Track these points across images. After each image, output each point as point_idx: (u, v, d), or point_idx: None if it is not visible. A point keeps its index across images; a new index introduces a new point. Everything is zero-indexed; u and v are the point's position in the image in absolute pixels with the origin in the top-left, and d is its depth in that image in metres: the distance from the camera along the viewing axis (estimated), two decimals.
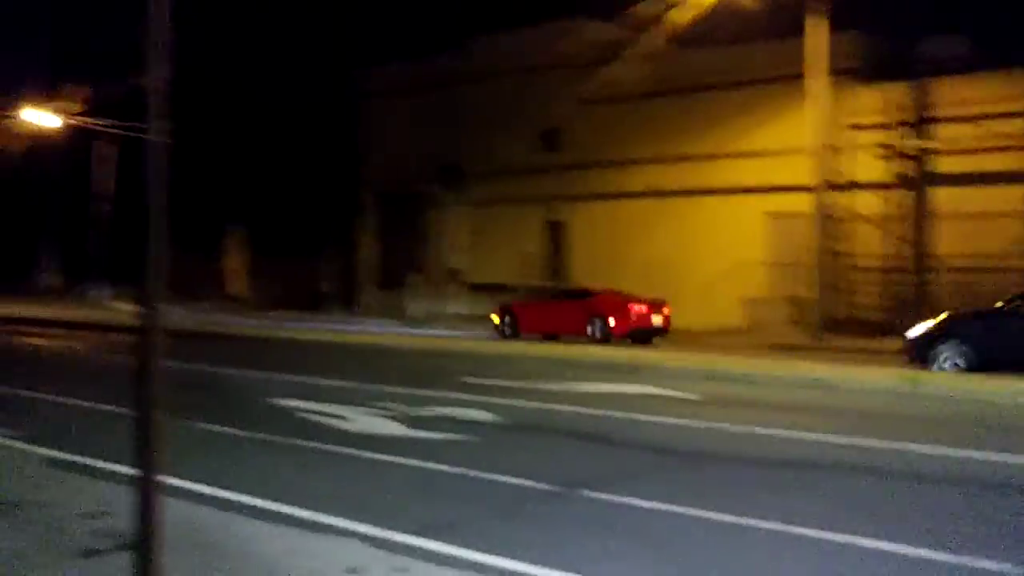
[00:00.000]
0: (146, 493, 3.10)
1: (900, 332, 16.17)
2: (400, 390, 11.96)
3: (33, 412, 10.37)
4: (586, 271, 28.40)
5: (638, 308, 21.48)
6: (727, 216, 26.80)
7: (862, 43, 25.33)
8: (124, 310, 32.22)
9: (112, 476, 7.20)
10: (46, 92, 34.90)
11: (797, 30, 22.97)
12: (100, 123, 33.55)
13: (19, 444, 8.43)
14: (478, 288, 30.59)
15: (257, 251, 39.32)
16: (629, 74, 25.98)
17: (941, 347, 14.27)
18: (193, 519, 6.13)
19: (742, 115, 26.36)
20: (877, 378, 13.58)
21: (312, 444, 8.52)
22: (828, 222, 23.80)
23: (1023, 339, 13.75)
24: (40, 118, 32.24)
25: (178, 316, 27.06)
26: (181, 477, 7.09)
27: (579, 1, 28.44)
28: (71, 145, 37.23)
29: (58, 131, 35.70)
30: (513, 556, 5.26)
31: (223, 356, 17.04)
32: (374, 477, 7.35)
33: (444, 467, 7.55)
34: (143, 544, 3.14)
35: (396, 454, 8.03)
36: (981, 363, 13.82)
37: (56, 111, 34.03)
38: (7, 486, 6.95)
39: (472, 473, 7.35)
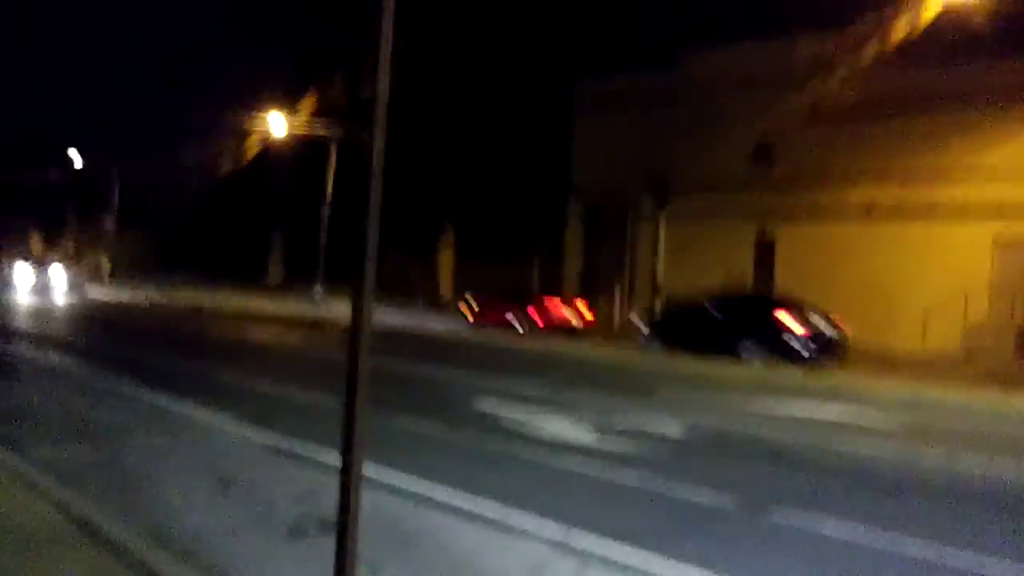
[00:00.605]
0: (346, 485, 3.37)
1: None
2: (597, 400, 12.12)
3: (254, 401, 11.20)
4: (793, 290, 27.58)
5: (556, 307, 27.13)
6: (949, 240, 25.36)
7: None
8: (341, 308, 34.06)
9: (319, 464, 7.73)
10: (280, 100, 37.47)
11: None
12: (326, 128, 35.72)
13: (240, 429, 9.17)
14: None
15: (466, 254, 40.54)
16: (846, 90, 25.02)
17: None
18: (393, 511, 6.53)
19: (968, 136, 24.88)
20: None
21: (508, 447, 8.81)
22: None
23: None
24: (273, 125, 34.57)
25: (389, 316, 28.38)
26: (384, 471, 7.53)
27: (794, 16, 27.72)
28: (301, 149, 39.73)
29: (291, 138, 38.25)
30: (687, 566, 5.33)
31: (427, 356, 17.73)
32: (563, 483, 7.57)
33: (631, 477, 7.69)
34: (341, 533, 3.41)
35: (587, 462, 8.22)
36: None
37: (288, 117, 36.49)
38: (227, 466, 7.61)
39: (657, 485, 7.43)
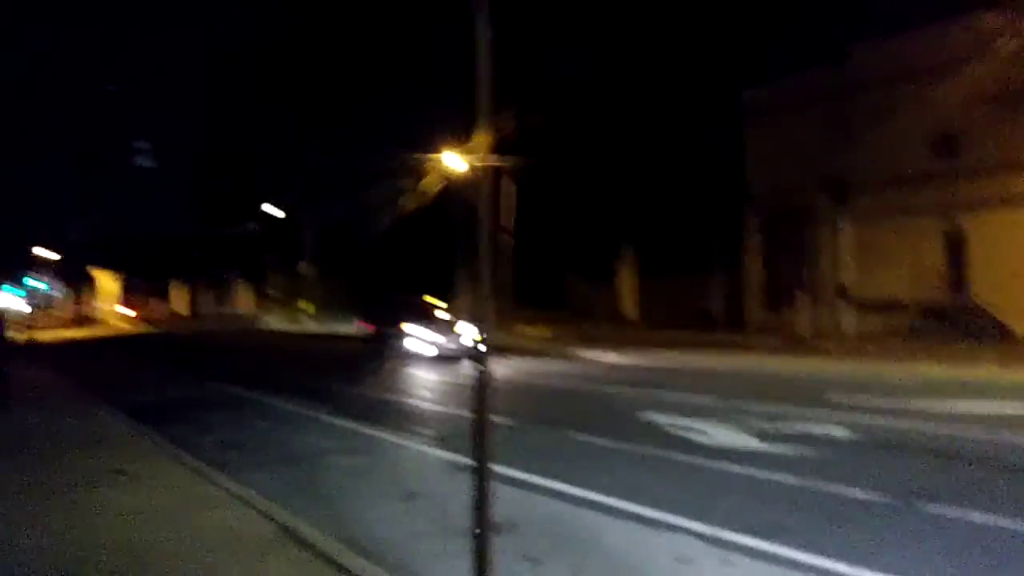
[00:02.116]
0: (482, 489, 3.95)
1: None
2: (762, 408, 12.28)
3: (439, 424, 12.07)
4: (990, 283, 26.38)
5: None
6: None
7: None
8: (527, 334, 35.06)
9: (496, 476, 8.40)
10: (456, 135, 39.04)
11: None
12: (500, 161, 36.91)
13: (425, 449, 9.99)
14: (868, 306, 29.49)
15: (646, 272, 40.77)
16: None
17: None
18: (557, 513, 7.13)
19: None
20: None
21: (669, 454, 9.24)
22: None
23: None
24: (448, 162, 36.14)
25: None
26: (551, 478, 8.16)
27: None
28: (480, 183, 41.13)
29: (469, 169, 39.71)
30: (833, 558, 5.64)
31: (603, 375, 18.23)
32: (719, 485, 7.91)
33: (788, 478, 7.93)
34: (478, 531, 4.00)
35: (746, 465, 8.52)
36: None
37: (463, 152, 37.97)
38: (412, 481, 8.43)
39: (814, 484, 7.66)
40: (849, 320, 29.73)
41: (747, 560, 5.77)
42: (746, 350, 23.86)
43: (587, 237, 42.06)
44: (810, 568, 5.52)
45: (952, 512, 6.69)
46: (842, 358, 21.10)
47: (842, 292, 30.47)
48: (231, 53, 55.44)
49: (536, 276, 44.44)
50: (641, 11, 38.33)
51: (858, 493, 7.32)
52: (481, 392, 3.97)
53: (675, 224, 37.36)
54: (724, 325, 34.05)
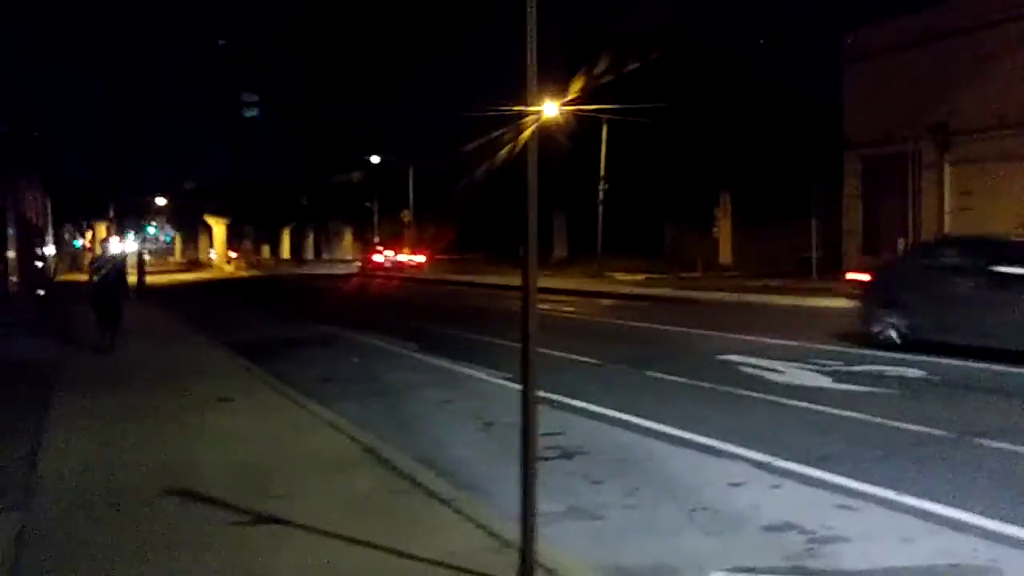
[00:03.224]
0: (526, 407, 4.37)
1: None
2: (840, 349, 12.47)
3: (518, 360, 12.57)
4: None
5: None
6: None
7: None
8: (621, 279, 35.33)
9: (568, 407, 8.96)
10: (552, 81, 39.14)
11: None
12: (594, 108, 36.96)
13: (506, 383, 10.51)
14: None
15: (743, 219, 40.44)
16: None
17: None
18: (625, 441, 7.60)
19: None
20: None
21: (739, 391, 9.57)
22: None
23: None
24: (547, 109, 36.23)
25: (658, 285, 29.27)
26: (624, 411, 8.63)
27: None
28: (577, 129, 41.30)
29: (564, 116, 39.85)
30: (876, 484, 5.95)
31: (688, 318, 18.49)
32: (782, 418, 8.24)
33: (850, 414, 8.22)
34: (524, 453, 4.44)
35: (811, 402, 8.81)
36: None
37: (559, 99, 38.09)
38: (491, 412, 8.97)
39: (874, 419, 7.93)
40: None
41: (794, 483, 6.12)
42: (842, 297, 23.67)
43: (684, 184, 41.84)
44: (852, 491, 5.84)
45: (1001, 445, 6.89)
46: None
47: (944, 238, 29.78)
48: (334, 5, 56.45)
49: (633, 223, 44.47)
50: None
51: (914, 427, 7.56)
52: (525, 325, 4.38)
53: (772, 170, 36.91)
54: (822, 271, 33.66)
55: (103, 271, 14.94)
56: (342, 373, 12.11)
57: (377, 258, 54.85)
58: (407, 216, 54.80)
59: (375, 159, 58.72)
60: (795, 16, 35.54)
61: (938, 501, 5.55)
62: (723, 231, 42.05)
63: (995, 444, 6.96)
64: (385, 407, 9.50)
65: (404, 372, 11.99)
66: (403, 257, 53.93)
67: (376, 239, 59.52)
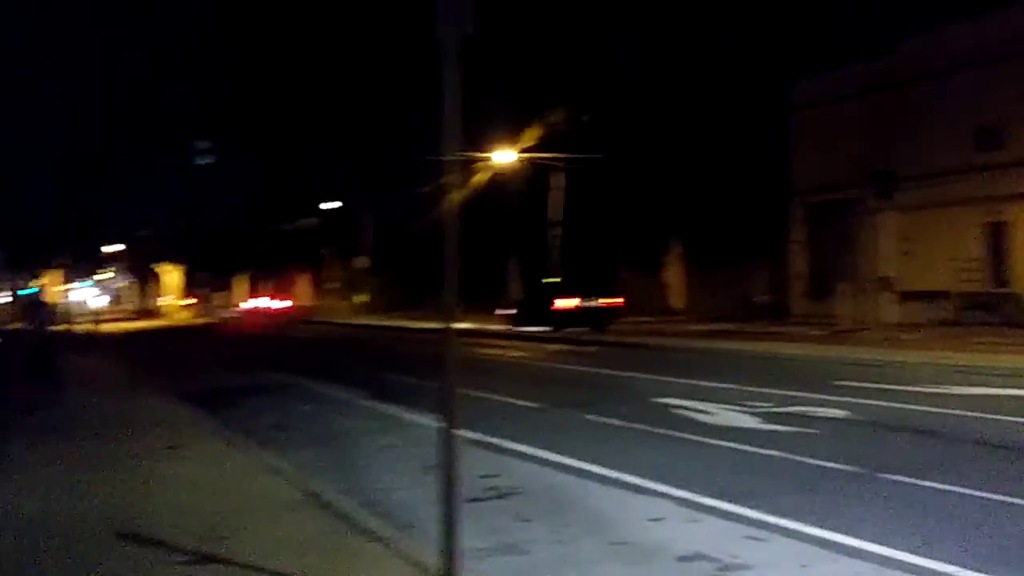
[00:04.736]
0: (448, 446, 4.77)
1: None
2: (772, 391, 12.96)
3: (466, 404, 12.91)
4: None
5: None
6: None
7: None
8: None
9: (506, 450, 9.37)
10: (506, 129, 39.93)
11: None
12: (548, 156, 37.77)
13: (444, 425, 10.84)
14: (910, 296, 29.73)
15: (694, 264, 41.24)
16: None
17: None
18: (555, 482, 8.00)
19: None
20: None
21: (670, 432, 10.03)
22: None
23: None
24: (499, 157, 37.14)
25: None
26: (561, 453, 9.05)
27: None
28: (530, 176, 42.06)
29: (517, 164, 40.61)
30: (789, 517, 6.40)
31: (632, 362, 18.97)
32: (709, 458, 8.70)
33: (774, 452, 8.70)
34: (446, 494, 4.82)
35: (737, 442, 9.28)
36: None
37: (514, 147, 38.89)
38: (432, 456, 9.28)
39: (795, 458, 8.41)
40: (891, 310, 29.99)
41: (711, 518, 6.56)
42: (786, 339, 24.36)
43: (638, 230, 42.65)
44: (762, 524, 6.28)
45: (911, 481, 7.37)
46: (877, 347, 21.51)
47: (885, 283, 30.71)
48: (287, 51, 57.00)
49: (588, 268, 45.15)
50: (689, 7, 38.83)
51: (830, 464, 8.04)
52: (448, 367, 4.80)
53: (722, 217, 37.78)
54: (769, 315, 34.44)
55: (33, 317, 14.87)
56: (291, 420, 12.40)
57: (247, 305, 57.07)
58: (361, 262, 55.11)
59: (330, 205, 59.12)
60: (746, 65, 36.62)
61: (839, 531, 6.01)
62: (675, 276, 42.83)
63: (899, 479, 7.45)
64: (332, 453, 9.81)
65: (352, 419, 12.32)
66: (274, 303, 55.82)
67: (268, 286, 61.52)
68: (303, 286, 73.02)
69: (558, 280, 35.36)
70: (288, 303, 56.94)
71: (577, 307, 31.84)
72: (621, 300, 33.41)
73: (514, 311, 34.75)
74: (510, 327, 33.49)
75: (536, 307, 33.31)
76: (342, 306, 56.43)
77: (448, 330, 4.82)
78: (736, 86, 36.88)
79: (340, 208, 58.28)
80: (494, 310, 38.12)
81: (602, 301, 32.51)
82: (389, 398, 14.01)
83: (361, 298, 53.98)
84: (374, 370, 19.68)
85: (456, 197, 4.94)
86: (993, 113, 27.69)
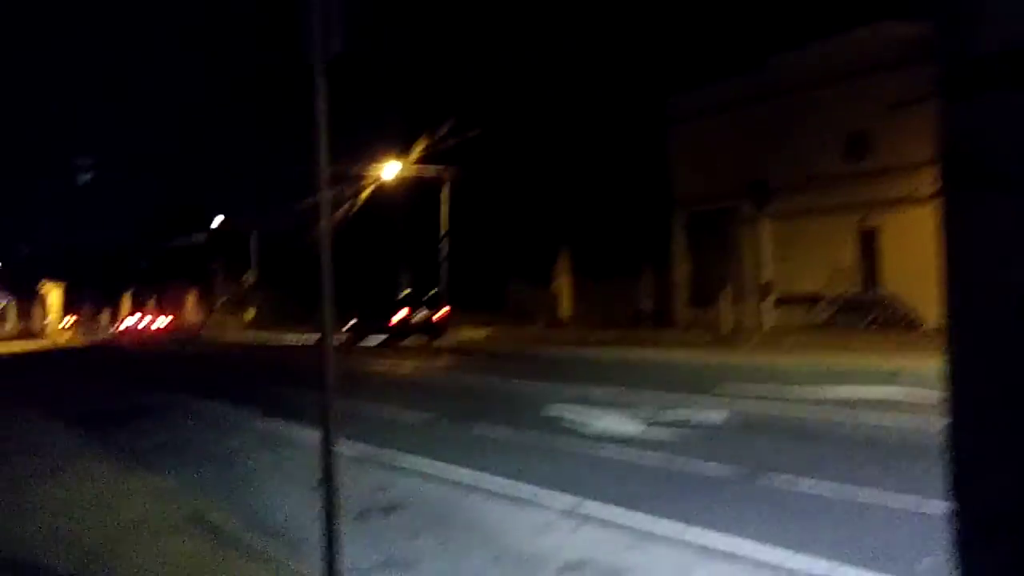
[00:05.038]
0: (328, 460, 4.79)
1: None
2: (657, 396, 13.29)
3: (356, 418, 12.89)
4: (899, 279, 27.80)
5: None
6: None
7: None
8: (464, 336, 35.92)
9: (392, 466, 9.38)
10: (395, 142, 39.90)
11: None
12: (436, 168, 37.87)
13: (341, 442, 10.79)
14: (787, 301, 30.84)
15: (582, 274, 41.87)
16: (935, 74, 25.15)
17: None
18: (442, 496, 8.02)
19: None
20: None
21: (558, 441, 10.18)
22: None
23: None
24: (387, 170, 37.14)
25: (500, 339, 30.07)
26: (449, 465, 9.09)
27: (879, 5, 28.01)
28: (418, 189, 42.09)
29: (406, 177, 40.58)
30: (671, 519, 6.61)
31: (522, 372, 19.18)
32: (593, 465, 8.88)
33: (657, 457, 8.94)
34: (327, 504, 4.83)
35: (624, 448, 9.50)
36: None
37: (403, 160, 38.85)
38: (318, 472, 9.23)
39: (677, 462, 8.65)
40: (770, 315, 31.06)
41: (595, 525, 6.70)
42: (670, 346, 24.96)
43: (526, 241, 43.09)
44: (648, 530, 6.46)
45: (787, 482, 7.68)
46: (757, 351, 22.27)
47: (764, 288, 31.79)
48: (176, 67, 55.65)
49: (476, 280, 45.36)
50: (571, 21, 39.49)
51: (711, 468, 8.31)
52: (326, 380, 4.83)
53: (608, 227, 38.49)
54: (655, 323, 35.23)
55: None
56: (175, 440, 12.12)
57: (131, 323, 56.16)
58: (249, 278, 54.15)
59: (218, 220, 57.93)
60: (628, 79, 37.45)
61: (720, 532, 6.23)
62: (563, 286, 43.37)
63: (776, 480, 7.75)
64: (217, 472, 9.64)
65: (238, 436, 12.10)
66: (159, 321, 55.17)
67: (154, 303, 60.43)
68: (191, 303, 71.30)
69: (406, 293, 37.38)
70: (173, 320, 55.75)
71: (409, 320, 34.51)
72: (447, 310, 36.26)
73: (353, 325, 35.85)
74: (353, 342, 34.76)
75: (372, 322, 35.25)
76: (230, 322, 55.25)
77: (325, 343, 4.85)
78: (621, 99, 37.70)
79: (228, 223, 57.15)
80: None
81: (433, 314, 35.36)
82: (277, 414, 13.82)
83: (249, 314, 52.94)
84: (261, 386, 19.40)
85: (328, 211, 4.97)
86: (860, 124, 28.98)
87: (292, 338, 39.46)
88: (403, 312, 34.22)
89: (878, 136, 28.89)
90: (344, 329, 36.69)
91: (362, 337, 34.29)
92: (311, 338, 32.77)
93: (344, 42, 4.81)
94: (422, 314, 34.87)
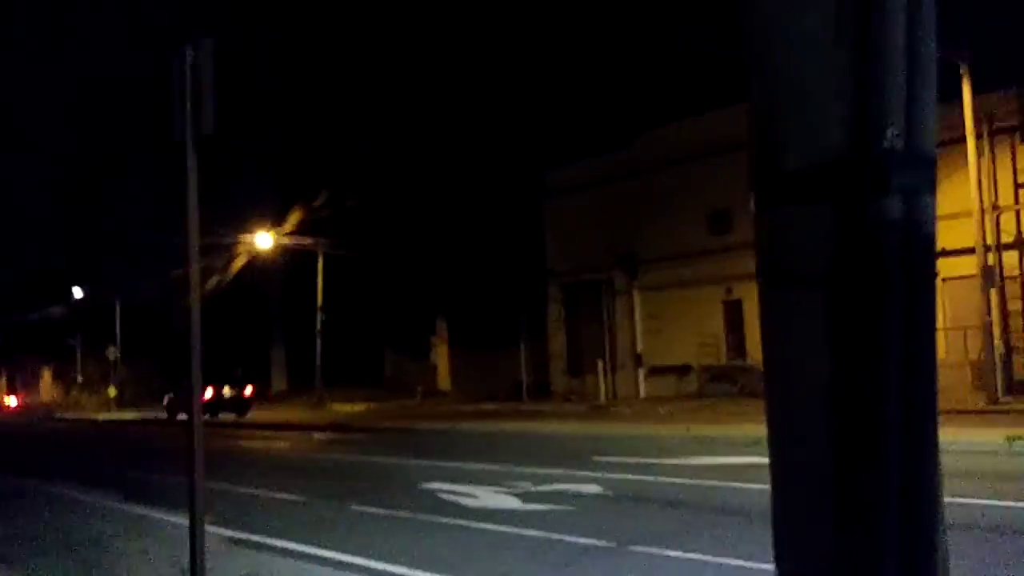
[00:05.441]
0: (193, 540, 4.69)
1: None
2: (533, 470, 13.40)
3: (224, 500, 12.55)
4: None
5: None
6: None
7: None
8: (338, 410, 35.45)
9: (264, 547, 9.15)
10: (269, 215, 39.45)
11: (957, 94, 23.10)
12: (310, 241, 37.62)
13: (207, 526, 10.47)
14: (660, 371, 31.61)
15: (460, 345, 41.99)
16: None
17: None
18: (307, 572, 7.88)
19: None
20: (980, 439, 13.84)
21: (434, 518, 10.14)
22: (999, 283, 23.42)
23: None
24: (260, 241, 36.70)
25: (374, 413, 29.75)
26: (321, 547, 8.94)
27: (740, 88, 29.50)
28: (293, 260, 41.64)
29: (279, 249, 40.11)
30: None
31: (399, 448, 19.04)
32: (468, 541, 8.88)
33: (530, 531, 8.99)
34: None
35: (499, 523, 9.52)
36: None
37: (276, 232, 38.43)
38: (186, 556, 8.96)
39: (550, 536, 8.73)
40: (643, 385, 31.74)
41: None
42: (546, 418, 25.20)
43: (403, 313, 43.04)
44: None
45: (658, 551, 7.86)
46: (629, 421, 22.67)
47: (636, 359, 32.52)
48: (43, 135, 53.97)
49: (354, 352, 44.90)
50: (451, 97, 40.25)
51: (587, 541, 8.43)
52: (195, 462, 4.75)
53: (485, 299, 38.85)
54: (533, 394, 35.51)
55: None
56: (27, 530, 11.51)
57: None
58: (112, 353, 52.13)
59: (77, 293, 55.80)
60: (505, 155, 38.28)
61: None
62: (440, 358, 43.38)
63: (647, 550, 7.92)
64: (75, 563, 9.20)
65: (98, 522, 11.57)
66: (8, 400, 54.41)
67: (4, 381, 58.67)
68: (47, 380, 68.14)
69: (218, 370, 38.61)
70: (24, 398, 53.49)
71: (220, 396, 36.52)
72: (253, 388, 39.04)
73: (169, 400, 37.61)
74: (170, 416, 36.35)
75: (187, 397, 36.74)
76: (91, 400, 53.01)
77: (193, 422, 4.78)
78: (498, 174, 38.47)
79: (90, 296, 55.09)
80: (256, 399, 37.97)
81: (242, 391, 37.84)
82: (140, 498, 13.30)
83: (111, 390, 50.87)
84: (123, 467, 18.63)
85: (198, 285, 4.96)
86: (723, 200, 30.24)
87: (148, 414, 38.64)
88: (211, 390, 35.56)
89: (739, 211, 30.17)
90: (164, 403, 38.45)
91: (177, 412, 35.36)
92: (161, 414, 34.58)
93: (215, 124, 4.86)
94: (231, 391, 36.80)
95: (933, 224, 1.54)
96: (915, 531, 1.49)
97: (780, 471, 1.62)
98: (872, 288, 1.48)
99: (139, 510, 12.43)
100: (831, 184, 1.52)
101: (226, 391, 36.50)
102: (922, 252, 1.52)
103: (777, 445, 1.62)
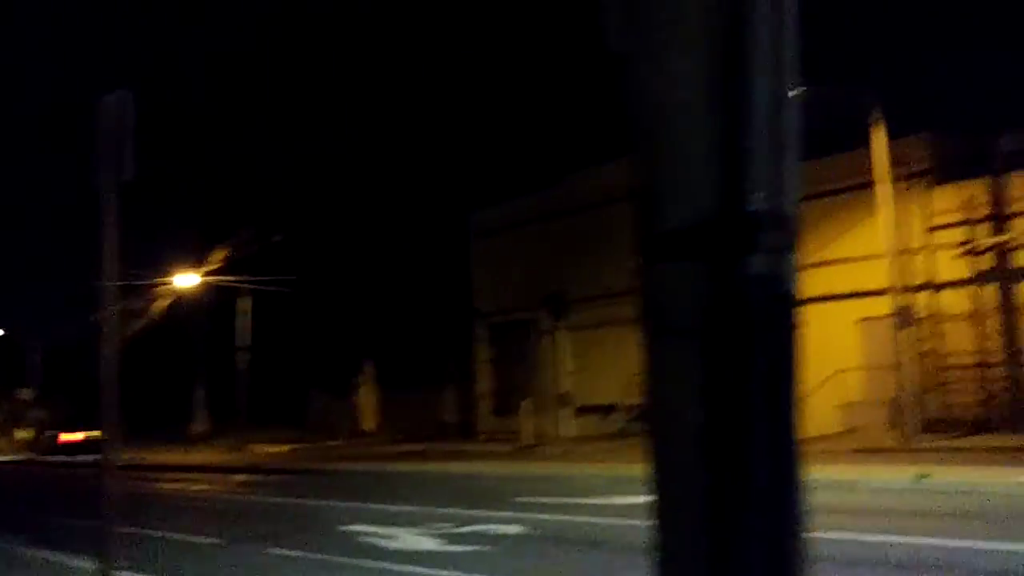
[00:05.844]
0: None
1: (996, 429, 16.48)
2: (456, 511, 13.39)
3: (143, 545, 12.25)
4: None
5: None
6: (821, 323, 27.10)
7: (935, 144, 25.93)
8: (260, 452, 34.88)
9: None
10: (190, 253, 38.91)
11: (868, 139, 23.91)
12: (233, 279, 37.19)
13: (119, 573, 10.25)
14: (586, 410, 31.79)
15: (385, 385, 41.71)
16: None
17: None
18: None
19: (824, 225, 27.03)
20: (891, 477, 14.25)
21: (354, 561, 10.07)
22: (914, 323, 24.18)
23: None
24: (182, 280, 36.12)
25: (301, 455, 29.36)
26: None
27: None
28: (216, 300, 41.06)
29: (203, 288, 39.54)
30: None
31: (322, 490, 18.83)
32: None
33: (450, 572, 8.99)
34: None
35: (419, 565, 9.50)
36: None
37: (199, 270, 37.93)
38: None
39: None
40: (569, 424, 31.88)
41: None
42: (472, 458, 25.12)
43: (327, 353, 42.64)
44: None
45: None
46: (554, 461, 22.75)
47: (562, 398, 32.66)
48: None
49: (278, 393, 44.31)
50: (378, 137, 40.36)
51: None
52: (108, 501, 4.70)
53: (411, 339, 38.75)
54: (459, 434, 35.41)
55: None
56: None
57: None
58: (26, 394, 50.65)
59: None
60: (431, 196, 38.46)
61: None
62: (366, 398, 43.01)
63: None
64: None
65: (7, 571, 11.24)
66: None
67: None
68: None
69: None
70: None
71: (84, 440, 37.29)
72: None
73: (32, 440, 39.62)
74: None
75: (50, 438, 39.80)
76: (2, 443, 51.22)
77: (107, 463, 4.73)
78: (424, 214, 38.58)
79: (3, 337, 53.49)
80: (176, 440, 37.24)
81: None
82: (53, 543, 12.90)
83: (24, 433, 49.28)
84: (35, 512, 18.08)
85: (113, 327, 4.93)
86: None
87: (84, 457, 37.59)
88: (69, 434, 37.05)
89: None
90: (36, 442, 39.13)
91: (41, 452, 36.52)
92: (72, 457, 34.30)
93: (135, 171, 4.87)
94: (94, 434, 37.03)
95: (795, 279, 1.67)
96: (781, 566, 1.61)
97: (660, 508, 1.72)
98: (740, 339, 1.60)
99: (50, 556, 12.06)
100: (704, 243, 1.65)
101: (89, 433, 36.26)
102: (784, 305, 1.65)
103: (658, 484, 1.73)
